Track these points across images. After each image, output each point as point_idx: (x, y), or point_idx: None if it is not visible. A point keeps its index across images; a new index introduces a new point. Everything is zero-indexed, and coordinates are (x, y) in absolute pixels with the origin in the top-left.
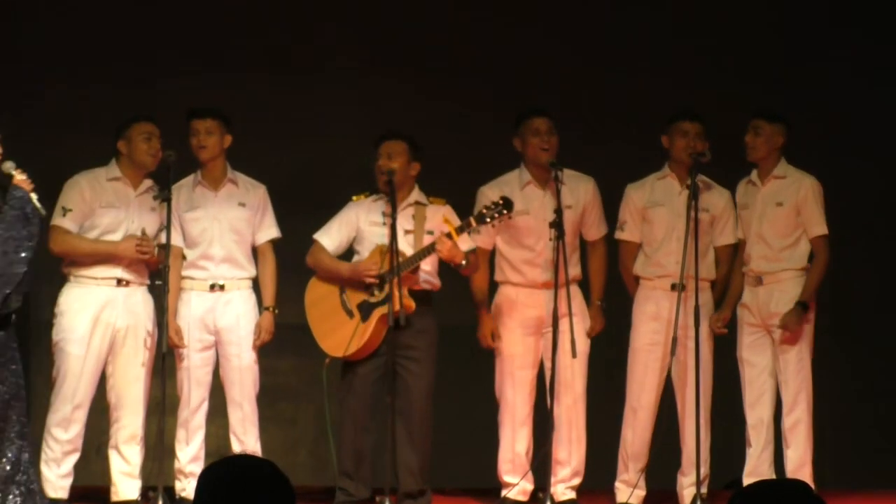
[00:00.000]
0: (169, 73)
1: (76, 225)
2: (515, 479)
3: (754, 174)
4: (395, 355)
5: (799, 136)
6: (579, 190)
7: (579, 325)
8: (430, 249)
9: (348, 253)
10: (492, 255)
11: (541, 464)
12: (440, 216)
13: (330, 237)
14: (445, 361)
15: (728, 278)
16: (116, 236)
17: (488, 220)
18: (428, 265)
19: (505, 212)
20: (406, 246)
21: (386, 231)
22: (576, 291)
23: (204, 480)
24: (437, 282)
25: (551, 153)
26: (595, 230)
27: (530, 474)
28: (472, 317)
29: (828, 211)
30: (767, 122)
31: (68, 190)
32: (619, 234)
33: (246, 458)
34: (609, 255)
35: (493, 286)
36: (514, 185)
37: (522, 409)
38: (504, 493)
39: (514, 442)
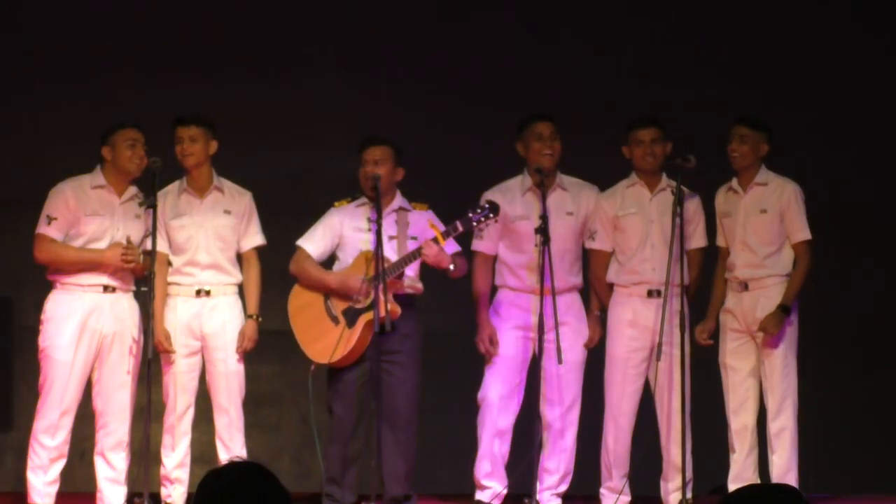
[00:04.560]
0: (154, 79)
1: (61, 233)
2: (492, 483)
3: (734, 181)
4: (381, 361)
5: (780, 141)
6: (582, 198)
7: (573, 334)
8: (415, 255)
9: (330, 258)
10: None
11: (527, 470)
12: (423, 221)
13: (314, 244)
14: (424, 366)
15: (699, 282)
16: (102, 244)
17: (474, 223)
18: (411, 270)
19: (491, 215)
20: (390, 251)
21: (369, 237)
22: (574, 299)
23: (203, 487)
24: (420, 286)
25: (554, 158)
26: None
27: (506, 478)
28: (452, 323)
29: (809, 216)
30: (752, 130)
31: (53, 198)
32: (589, 244)
33: (245, 465)
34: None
35: (493, 290)
36: (516, 190)
37: (506, 413)
38: (479, 495)
39: (495, 444)
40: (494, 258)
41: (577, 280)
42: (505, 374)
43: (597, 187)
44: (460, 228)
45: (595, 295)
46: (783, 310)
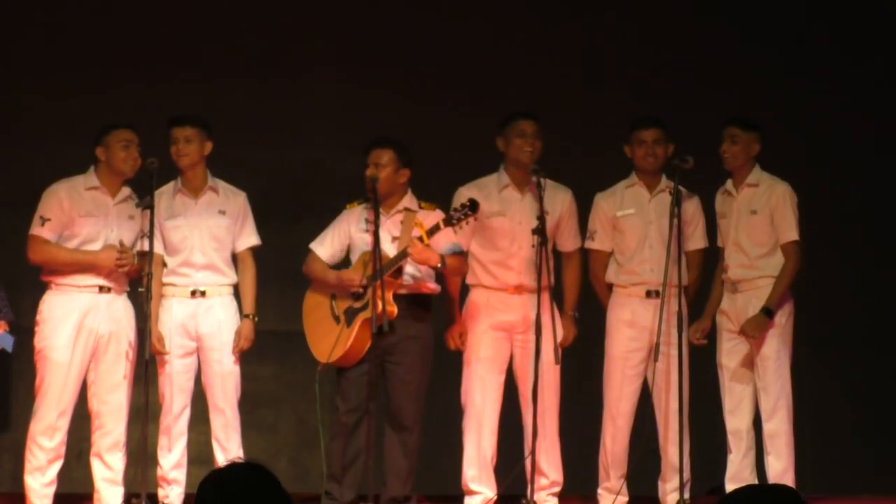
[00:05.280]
0: (150, 79)
1: (55, 234)
2: (481, 488)
3: (729, 183)
4: (384, 361)
5: (772, 144)
6: (556, 199)
7: (548, 333)
8: (404, 254)
9: (345, 261)
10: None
11: (520, 472)
12: (430, 221)
13: (324, 247)
14: None
15: (699, 283)
16: (96, 246)
17: (454, 221)
18: (422, 270)
19: (470, 213)
20: (393, 252)
21: (368, 238)
22: (548, 298)
23: (204, 488)
24: (435, 286)
25: (533, 155)
26: (570, 241)
27: (494, 483)
28: (441, 323)
29: (804, 218)
30: (743, 131)
31: (47, 199)
32: (588, 244)
33: (247, 467)
34: (583, 266)
35: (465, 289)
36: (493, 187)
37: (490, 415)
38: (468, 501)
39: (481, 449)
40: (466, 254)
41: (550, 279)
42: (485, 376)
43: (570, 190)
44: (443, 227)
45: (572, 294)
46: (766, 313)
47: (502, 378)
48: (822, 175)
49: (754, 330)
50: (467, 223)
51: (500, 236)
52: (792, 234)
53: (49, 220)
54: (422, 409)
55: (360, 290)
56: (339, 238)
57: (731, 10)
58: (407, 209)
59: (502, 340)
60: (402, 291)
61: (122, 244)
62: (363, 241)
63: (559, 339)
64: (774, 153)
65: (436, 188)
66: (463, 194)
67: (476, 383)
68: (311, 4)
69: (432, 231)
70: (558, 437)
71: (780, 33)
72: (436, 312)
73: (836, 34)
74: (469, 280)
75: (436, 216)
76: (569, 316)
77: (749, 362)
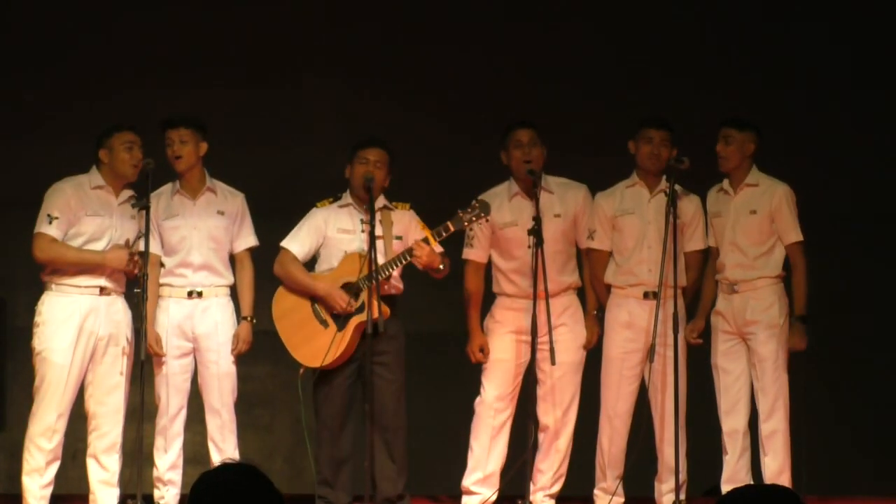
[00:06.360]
0: (148, 81)
1: (62, 233)
2: (482, 489)
3: (726, 182)
4: (365, 362)
5: (769, 144)
6: (568, 197)
7: (569, 335)
8: (407, 255)
9: (312, 259)
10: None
11: (520, 472)
12: (406, 220)
13: (299, 244)
14: (416, 368)
15: (698, 284)
16: (101, 244)
17: (465, 223)
18: (395, 270)
19: (482, 214)
20: (377, 252)
21: (360, 237)
22: (571, 301)
23: (197, 489)
24: (400, 286)
25: (534, 165)
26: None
27: (497, 484)
28: (441, 324)
29: (802, 218)
30: (738, 131)
31: (53, 197)
32: (588, 244)
33: (238, 467)
34: None
35: (491, 298)
36: (504, 196)
37: (502, 418)
38: (465, 501)
39: (490, 451)
40: (485, 266)
41: (572, 279)
42: (502, 377)
43: (585, 186)
44: (452, 228)
45: (593, 294)
46: (801, 320)
47: (518, 381)
48: (820, 175)
49: (801, 341)
50: (479, 224)
51: (514, 245)
52: (796, 234)
53: (57, 218)
54: (405, 407)
55: (351, 310)
56: (315, 236)
57: (731, 11)
58: (385, 207)
59: (521, 344)
60: (384, 293)
61: (127, 243)
62: (343, 240)
63: (583, 341)
64: (773, 154)
65: (429, 191)
66: (477, 198)
67: (491, 386)
68: (311, 5)
69: (439, 233)
70: (571, 440)
71: (779, 33)
72: (401, 312)
73: (836, 34)
74: (494, 289)
75: (410, 216)
76: (591, 316)
77: (745, 363)
